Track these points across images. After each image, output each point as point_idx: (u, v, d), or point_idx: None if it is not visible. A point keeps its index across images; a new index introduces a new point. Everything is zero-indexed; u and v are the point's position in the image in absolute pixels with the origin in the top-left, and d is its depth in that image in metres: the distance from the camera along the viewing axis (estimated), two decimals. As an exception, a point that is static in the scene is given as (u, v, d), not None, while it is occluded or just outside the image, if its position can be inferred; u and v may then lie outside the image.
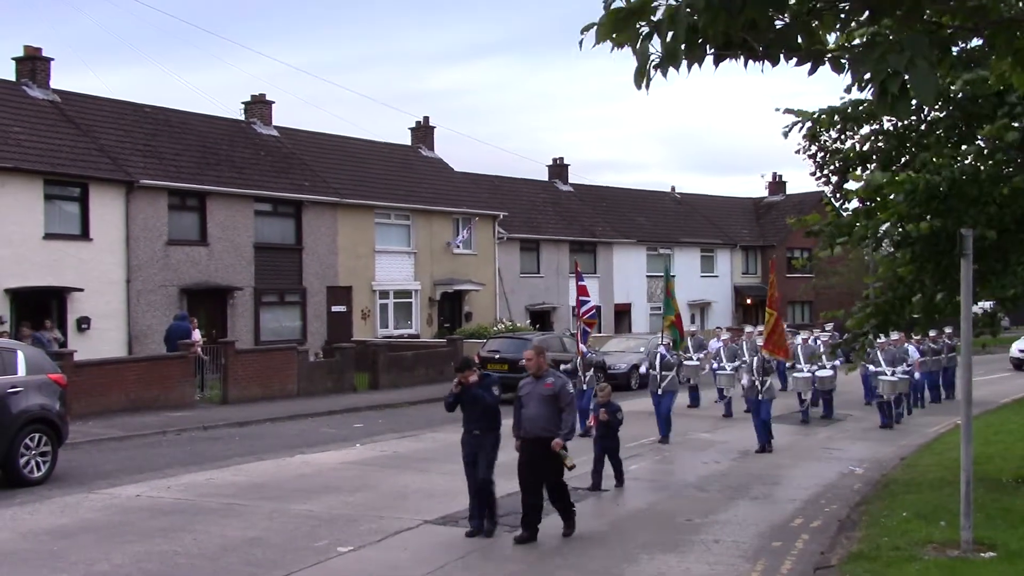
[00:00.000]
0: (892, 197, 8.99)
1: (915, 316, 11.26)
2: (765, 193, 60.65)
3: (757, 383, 17.05)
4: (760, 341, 19.05)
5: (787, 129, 11.67)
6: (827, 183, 11.88)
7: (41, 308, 24.90)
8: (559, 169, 50.57)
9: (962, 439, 9.07)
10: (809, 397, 21.35)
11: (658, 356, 18.85)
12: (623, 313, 47.76)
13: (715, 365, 23.93)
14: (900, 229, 9.47)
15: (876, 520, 10.59)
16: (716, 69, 4.79)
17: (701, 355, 24.93)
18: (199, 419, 21.11)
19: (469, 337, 32.90)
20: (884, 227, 9.86)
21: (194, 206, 29.56)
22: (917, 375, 23.17)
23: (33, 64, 28.90)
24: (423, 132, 42.74)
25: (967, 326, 8.95)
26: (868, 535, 9.83)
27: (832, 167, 11.36)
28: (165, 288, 28.17)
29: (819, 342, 23.11)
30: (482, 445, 10.37)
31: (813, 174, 11.75)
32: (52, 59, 29.46)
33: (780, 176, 60.31)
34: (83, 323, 25.79)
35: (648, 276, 48.98)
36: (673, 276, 20.28)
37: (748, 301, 55.09)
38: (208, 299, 29.53)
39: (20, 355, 14.07)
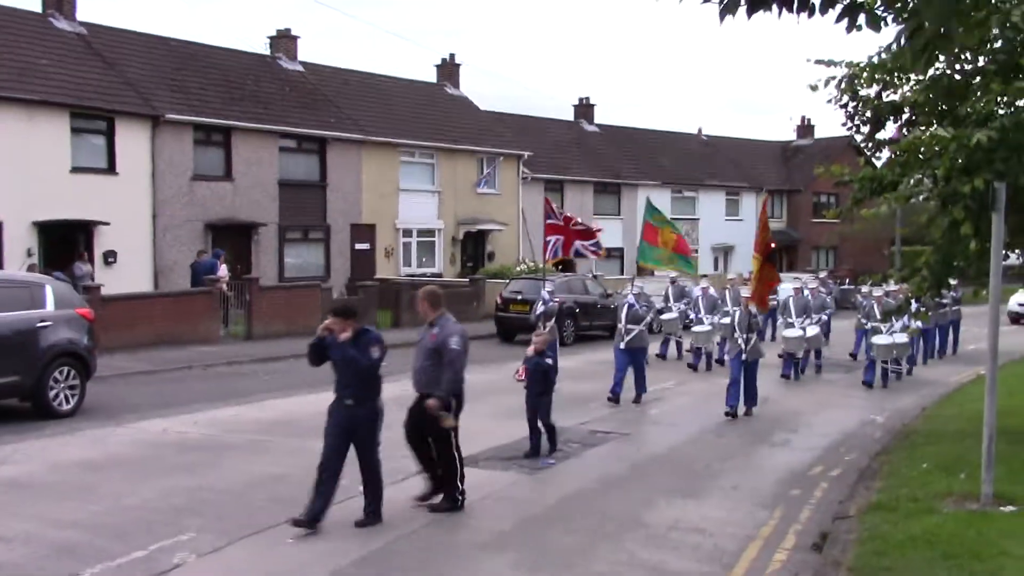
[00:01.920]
0: (942, 152, 8.82)
1: (959, 265, 11.06)
2: (793, 136, 60.00)
3: (740, 341, 15.04)
4: (745, 292, 16.95)
5: (817, 85, 11.31)
6: (858, 132, 11.71)
7: (68, 241, 25.10)
8: (585, 109, 50.13)
9: (986, 391, 9.03)
10: (801, 355, 19.61)
11: (626, 307, 16.37)
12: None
13: (691, 316, 22.01)
14: (945, 185, 9.26)
15: (896, 470, 10.63)
16: (749, 19, 4.77)
17: (682, 304, 23.09)
18: (224, 354, 21.36)
19: (492, 277, 32.96)
20: (925, 180, 9.65)
21: (219, 141, 29.57)
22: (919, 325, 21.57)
23: (58, -5, 28.79)
24: (449, 69, 42.39)
25: (996, 281, 8.87)
26: (887, 485, 9.88)
27: (864, 117, 11.18)
28: (190, 223, 28.30)
29: (807, 292, 21.43)
30: (356, 419, 8.59)
31: (844, 124, 11.57)
32: (78, -10, 29.35)
33: (808, 119, 59.59)
34: (109, 257, 26.01)
35: (672, 219, 48.64)
36: (656, 217, 18.00)
37: (772, 245, 54.54)
38: (233, 235, 29.66)
39: (48, 290, 14.24)
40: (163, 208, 27.59)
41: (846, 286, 38.15)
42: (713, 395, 17.16)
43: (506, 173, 39.50)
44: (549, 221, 18.93)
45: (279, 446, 12.04)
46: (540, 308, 17.54)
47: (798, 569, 7.75)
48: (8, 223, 23.35)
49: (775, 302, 24.19)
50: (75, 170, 25.41)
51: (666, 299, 23.40)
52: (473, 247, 38.75)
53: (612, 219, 45.84)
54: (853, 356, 22.05)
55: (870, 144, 12.36)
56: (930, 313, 21.39)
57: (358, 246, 33.70)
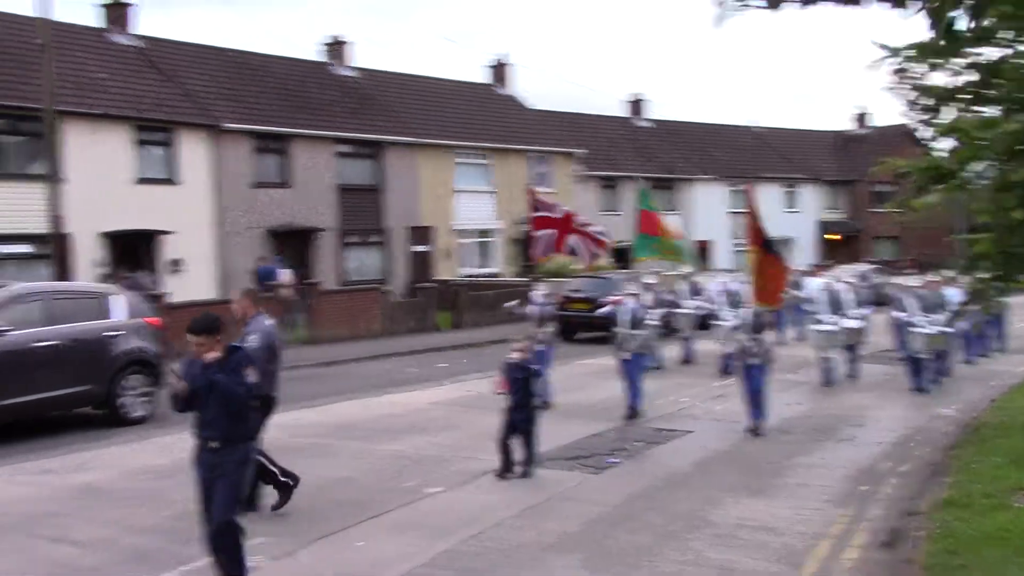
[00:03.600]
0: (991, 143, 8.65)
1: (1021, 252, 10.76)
2: (849, 125, 59.19)
3: (748, 343, 13.39)
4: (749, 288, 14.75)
5: (876, 62, 11.06)
6: (917, 121, 11.48)
7: (134, 251, 25.64)
8: (637, 104, 49.98)
9: (1058, 384, 8.85)
10: (834, 356, 17.74)
11: (629, 312, 14.43)
12: (703, 251, 47.36)
13: (712, 314, 20.18)
14: (999, 171, 9.07)
15: (967, 465, 10.44)
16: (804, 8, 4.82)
17: (696, 301, 21.34)
18: (287, 359, 21.30)
19: (550, 276, 32.95)
20: (980, 168, 9.43)
21: (277, 149, 30.01)
22: (960, 323, 19.29)
23: (117, 10, 29.46)
24: (500, 70, 42.56)
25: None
26: (958, 481, 9.71)
27: (923, 105, 10.95)
28: (252, 230, 28.77)
29: (838, 286, 19.21)
30: (222, 467, 6.68)
31: (903, 113, 11.34)
32: (135, 4, 30.02)
33: (865, 107, 58.71)
34: (175, 265, 26.52)
35: (729, 212, 48.39)
36: (649, 207, 15.35)
37: (833, 237, 54.12)
38: (293, 240, 30.09)
39: (118, 299, 14.56)
40: (225, 216, 28.07)
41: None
42: (777, 391, 16.90)
43: (560, 171, 39.50)
44: (537, 214, 16.51)
45: (343, 449, 12.18)
46: (535, 311, 15.61)
47: (869, 568, 7.66)
48: (77, 235, 23.91)
49: (802, 294, 22.08)
50: (139, 181, 25.97)
51: (679, 296, 21.56)
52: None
53: (668, 215, 45.68)
54: (901, 359, 19.85)
55: (930, 132, 12.11)
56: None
57: (416, 248, 33.96)
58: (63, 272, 19.84)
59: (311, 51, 46.82)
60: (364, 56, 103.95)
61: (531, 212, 16.73)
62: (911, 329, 16.93)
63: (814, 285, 20.13)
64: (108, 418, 14.01)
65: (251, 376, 6.76)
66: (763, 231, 13.42)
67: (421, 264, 33.96)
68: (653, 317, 16.47)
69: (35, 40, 20.38)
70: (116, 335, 14.06)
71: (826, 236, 53.91)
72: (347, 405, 15.81)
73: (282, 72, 32.89)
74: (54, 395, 13.27)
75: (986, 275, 10.41)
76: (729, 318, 18.76)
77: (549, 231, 16.51)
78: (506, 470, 10.55)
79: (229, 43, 36.46)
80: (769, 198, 50.98)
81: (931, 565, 7.17)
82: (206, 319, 6.79)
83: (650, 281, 18.96)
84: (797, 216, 52.68)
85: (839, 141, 58.23)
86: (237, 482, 6.73)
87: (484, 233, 36.83)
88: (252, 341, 8.74)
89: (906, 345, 17.44)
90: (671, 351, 20.25)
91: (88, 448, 12.35)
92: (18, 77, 24.20)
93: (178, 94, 28.17)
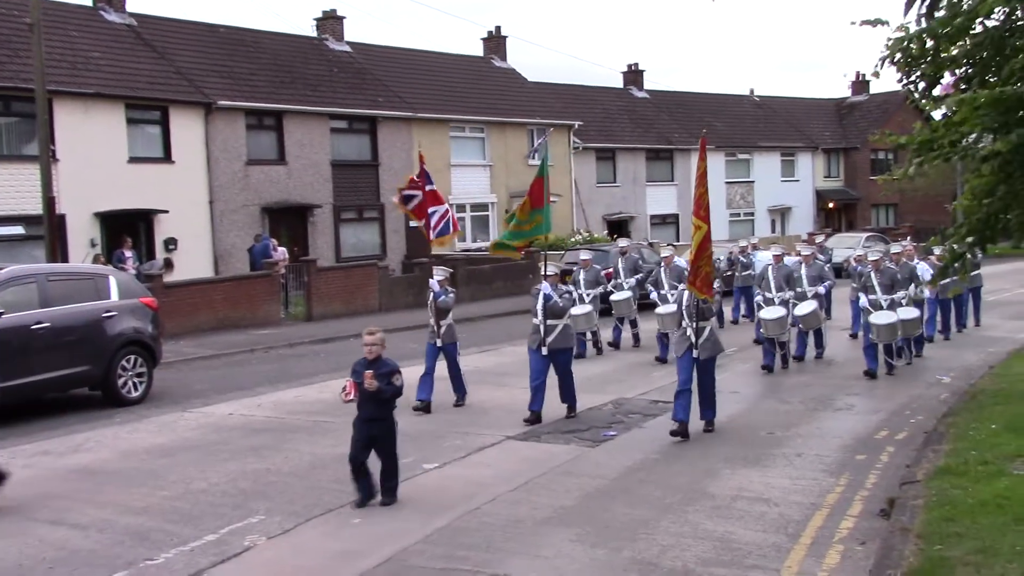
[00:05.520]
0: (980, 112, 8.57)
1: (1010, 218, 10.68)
2: (848, 93, 58.85)
3: (690, 332, 11.35)
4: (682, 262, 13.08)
5: (882, 60, 10.84)
6: (915, 89, 11.37)
7: (129, 230, 25.56)
8: (634, 75, 49.73)
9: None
10: (789, 340, 15.85)
11: (541, 297, 12.36)
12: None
13: (653, 293, 18.07)
14: (984, 144, 9.00)
15: (964, 433, 10.44)
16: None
17: (633, 281, 18.96)
18: (285, 336, 21.64)
19: (547, 249, 32.88)
20: (969, 138, 9.33)
21: (271, 125, 29.85)
22: (927, 294, 17.40)
23: (109, -12, 29.23)
24: (495, 42, 42.29)
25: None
26: (955, 448, 9.71)
27: (920, 72, 10.82)
28: (247, 208, 28.68)
29: (792, 261, 17.44)
30: None
31: (899, 80, 11.23)
32: (127, -18, 29.77)
33: (863, 75, 58.12)
34: (170, 244, 26.46)
35: (727, 183, 48.29)
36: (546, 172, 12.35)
37: (831, 205, 54.04)
38: (289, 217, 30.01)
39: (112, 281, 14.53)
40: (219, 194, 27.97)
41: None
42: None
43: (557, 143, 39.33)
44: (430, 188, 13.68)
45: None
46: (429, 299, 13.47)
47: (865, 536, 7.66)
48: (70, 215, 23.84)
49: (751, 272, 20.62)
50: (132, 160, 25.84)
51: (616, 275, 19.26)
52: (527, 219, 38.62)
53: (666, 185, 45.60)
54: (853, 335, 18.81)
55: (926, 100, 12.00)
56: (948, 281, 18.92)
57: (413, 223, 33.80)
58: (57, 253, 19.75)
59: (305, 26, 46.50)
60: (362, 30, 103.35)
61: (422, 182, 13.80)
62: (871, 318, 15.07)
63: (763, 260, 18.63)
64: (105, 399, 14.02)
65: None
66: (705, 202, 11.04)
67: (418, 239, 33.75)
68: (584, 298, 16.57)
69: (25, 19, 20.20)
70: (112, 316, 14.03)
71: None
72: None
73: (275, 48, 32.67)
74: (51, 376, 13.25)
75: (963, 242, 10.24)
76: (670, 298, 16.81)
77: (442, 206, 13.92)
78: (367, 498, 8.69)
79: (222, 19, 36.61)
80: (767, 167, 50.92)
81: (927, 533, 7.17)
82: None
83: (585, 256, 18.12)
84: (795, 184, 52.55)
85: (839, 109, 57.98)
86: None
87: (480, 207, 36.72)
88: None
89: (868, 329, 15.30)
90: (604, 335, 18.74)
91: (85, 429, 12.36)
92: (9, 57, 24.03)
93: (171, 72, 28.00)
